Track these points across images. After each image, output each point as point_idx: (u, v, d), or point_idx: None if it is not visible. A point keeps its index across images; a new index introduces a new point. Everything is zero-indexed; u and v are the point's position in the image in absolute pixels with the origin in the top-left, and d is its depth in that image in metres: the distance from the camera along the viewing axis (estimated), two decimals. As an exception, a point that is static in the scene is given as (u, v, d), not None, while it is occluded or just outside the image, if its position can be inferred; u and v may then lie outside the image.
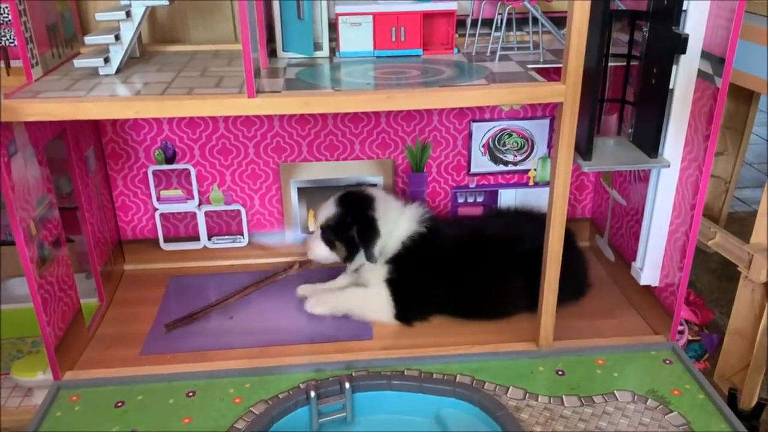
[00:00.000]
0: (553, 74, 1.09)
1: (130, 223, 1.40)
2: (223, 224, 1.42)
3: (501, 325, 1.21)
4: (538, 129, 1.39)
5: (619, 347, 1.15)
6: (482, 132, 1.38)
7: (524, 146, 1.41)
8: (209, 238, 1.42)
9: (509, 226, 1.30)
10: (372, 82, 1.02)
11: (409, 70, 1.09)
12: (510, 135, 1.39)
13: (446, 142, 1.39)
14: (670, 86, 1.02)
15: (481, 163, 1.41)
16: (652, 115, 1.04)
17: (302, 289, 1.30)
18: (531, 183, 1.44)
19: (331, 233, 1.23)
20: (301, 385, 1.05)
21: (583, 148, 1.04)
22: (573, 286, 1.25)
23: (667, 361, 1.12)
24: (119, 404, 1.03)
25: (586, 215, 1.49)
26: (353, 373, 1.07)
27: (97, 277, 1.27)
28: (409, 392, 1.05)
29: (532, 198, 1.44)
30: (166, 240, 1.42)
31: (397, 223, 1.24)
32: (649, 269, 1.17)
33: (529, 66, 1.10)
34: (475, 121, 1.37)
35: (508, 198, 1.45)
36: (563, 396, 1.04)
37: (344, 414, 1.03)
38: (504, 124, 1.38)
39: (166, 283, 1.37)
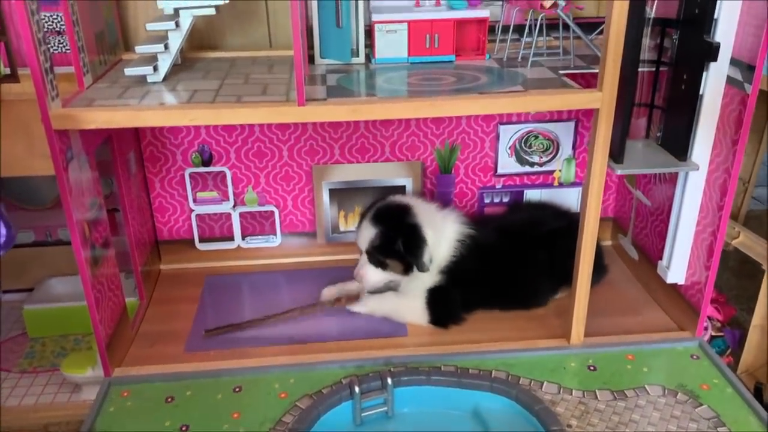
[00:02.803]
0: (580, 79, 1.12)
1: (166, 224, 1.44)
2: (256, 224, 1.46)
3: (532, 322, 1.25)
4: (563, 131, 1.43)
5: (648, 343, 1.19)
6: (509, 134, 1.42)
7: (550, 148, 1.44)
8: (243, 238, 1.46)
9: (531, 216, 1.37)
10: (412, 89, 1.05)
11: (445, 77, 1.12)
12: (536, 137, 1.43)
13: (474, 144, 1.43)
14: (700, 92, 1.06)
15: (507, 164, 1.45)
16: (683, 120, 1.08)
17: (328, 291, 1.32)
18: (556, 183, 1.48)
19: (378, 254, 1.21)
20: (343, 380, 1.09)
21: (616, 152, 1.08)
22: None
23: (695, 357, 1.16)
24: (169, 399, 1.07)
25: (609, 215, 1.53)
26: (391, 369, 1.11)
27: (138, 276, 1.31)
28: (447, 387, 1.09)
29: (557, 198, 1.48)
30: (202, 240, 1.46)
31: (442, 228, 1.23)
32: (675, 268, 1.20)
33: (561, 71, 1.14)
34: (502, 123, 1.41)
35: (533, 198, 1.49)
36: (596, 390, 1.08)
37: (385, 408, 1.07)
38: (530, 126, 1.42)
39: (201, 282, 1.41)
